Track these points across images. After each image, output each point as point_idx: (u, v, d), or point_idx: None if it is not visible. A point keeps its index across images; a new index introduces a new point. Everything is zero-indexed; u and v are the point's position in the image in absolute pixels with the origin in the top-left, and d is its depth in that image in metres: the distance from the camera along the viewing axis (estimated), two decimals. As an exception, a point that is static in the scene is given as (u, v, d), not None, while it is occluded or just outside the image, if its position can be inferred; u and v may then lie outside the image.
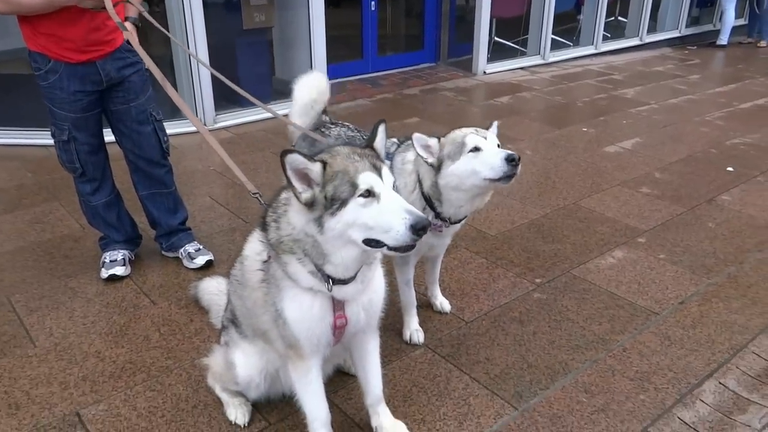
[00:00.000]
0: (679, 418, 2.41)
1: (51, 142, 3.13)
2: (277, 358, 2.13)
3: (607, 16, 9.47)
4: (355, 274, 1.85)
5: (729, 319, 3.02)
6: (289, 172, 1.69)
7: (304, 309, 1.87)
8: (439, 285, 3.08)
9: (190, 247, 3.45)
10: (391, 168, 2.51)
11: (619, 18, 10.33)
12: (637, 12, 10.01)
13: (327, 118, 3.05)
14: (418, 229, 1.64)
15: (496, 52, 8.54)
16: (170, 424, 2.35)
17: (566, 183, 4.67)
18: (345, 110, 6.39)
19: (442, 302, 3.05)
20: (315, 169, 1.69)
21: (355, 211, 1.68)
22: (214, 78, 5.63)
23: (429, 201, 2.47)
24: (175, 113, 5.19)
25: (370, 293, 1.97)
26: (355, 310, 1.94)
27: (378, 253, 1.88)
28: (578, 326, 2.96)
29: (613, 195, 4.47)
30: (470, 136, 2.35)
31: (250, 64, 6.20)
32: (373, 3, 7.64)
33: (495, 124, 2.50)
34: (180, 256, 3.47)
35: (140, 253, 3.55)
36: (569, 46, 9.36)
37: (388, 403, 2.31)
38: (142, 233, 3.55)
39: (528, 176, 4.80)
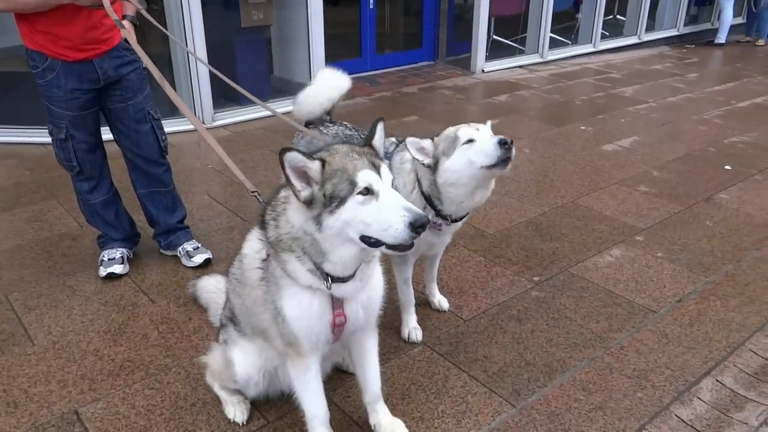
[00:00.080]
0: (676, 415, 2.41)
1: (49, 140, 3.13)
2: (276, 356, 2.14)
3: (606, 14, 9.48)
4: (354, 272, 1.85)
5: (726, 317, 3.03)
6: (288, 171, 1.69)
7: (303, 307, 1.88)
8: (438, 283, 3.09)
9: (189, 246, 3.45)
10: (389, 167, 2.52)
11: (618, 16, 10.35)
12: (636, 10, 10.02)
13: (327, 117, 3.05)
14: (417, 227, 1.65)
15: (495, 51, 8.55)
16: (169, 422, 2.35)
17: (564, 181, 4.68)
18: (343, 108, 6.34)
19: (440, 300, 3.06)
20: (314, 167, 1.70)
21: (353, 208, 1.68)
22: (212, 76, 5.65)
23: (429, 200, 2.47)
24: (174, 111, 5.19)
25: (369, 291, 1.98)
26: (354, 308, 1.95)
27: (377, 252, 1.88)
28: (576, 324, 2.96)
29: (611, 193, 4.48)
30: (462, 129, 2.36)
31: (248, 63, 6.19)
32: (371, 1, 7.63)
33: (488, 123, 2.49)
34: (178, 255, 3.47)
35: (139, 252, 3.55)
36: (568, 44, 9.37)
37: (386, 401, 2.32)
38: (140, 231, 3.55)
39: (526, 175, 4.81)
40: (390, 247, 1.71)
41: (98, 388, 2.53)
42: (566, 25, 9.52)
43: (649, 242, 3.76)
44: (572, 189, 4.54)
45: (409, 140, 2.39)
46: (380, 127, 1.89)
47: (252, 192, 2.14)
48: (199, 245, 3.49)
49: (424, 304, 3.06)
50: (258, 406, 2.41)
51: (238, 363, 2.22)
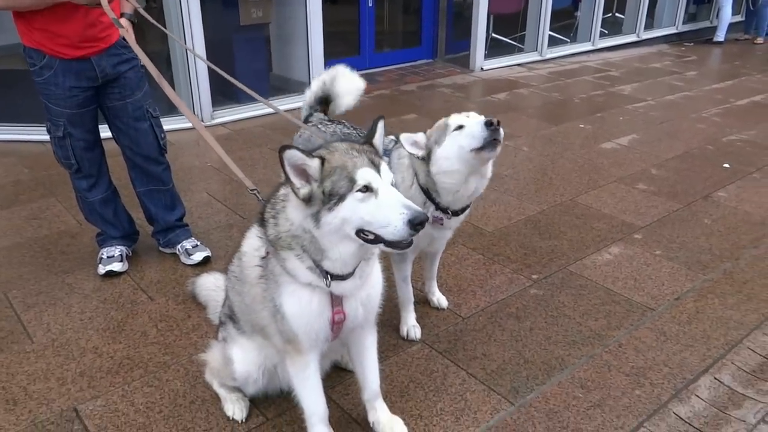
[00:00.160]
0: (674, 413, 2.42)
1: (48, 138, 3.13)
2: (275, 354, 2.14)
3: (605, 12, 9.47)
4: (354, 270, 1.86)
5: (724, 315, 3.04)
6: (288, 168, 1.69)
7: (302, 304, 1.88)
8: (437, 281, 3.09)
9: (188, 244, 3.45)
10: (388, 164, 2.52)
11: (616, 14, 10.33)
12: (634, 8, 10.01)
13: (324, 116, 3.05)
14: (416, 224, 1.65)
15: (494, 49, 8.54)
16: (168, 420, 2.36)
17: (563, 179, 4.68)
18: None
19: (439, 298, 3.06)
20: (313, 164, 1.70)
21: (352, 206, 1.69)
22: (211, 74, 5.65)
23: (427, 193, 2.47)
24: (172, 109, 5.16)
25: (368, 288, 1.98)
26: (354, 306, 1.95)
27: (376, 249, 1.89)
28: (575, 322, 2.97)
29: (610, 191, 4.48)
30: (453, 117, 2.37)
31: (247, 60, 6.18)
32: (370, -1, 7.64)
33: (481, 117, 2.49)
34: (177, 253, 3.47)
35: (137, 249, 3.55)
36: (566, 42, 9.36)
37: (385, 399, 2.32)
38: (139, 229, 3.55)
39: (525, 173, 4.81)
40: (389, 244, 1.71)
41: (97, 386, 2.53)
42: (565, 23, 9.51)
43: (647, 240, 3.77)
44: (571, 187, 4.54)
45: (403, 137, 2.41)
46: (380, 125, 1.90)
47: (251, 190, 2.14)
48: (198, 243, 3.49)
49: (423, 302, 3.07)
50: (257, 403, 2.42)
51: (237, 360, 2.22)
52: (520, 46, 8.93)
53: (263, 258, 1.94)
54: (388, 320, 2.85)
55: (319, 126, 2.91)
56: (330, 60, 6.56)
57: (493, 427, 2.33)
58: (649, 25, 10.37)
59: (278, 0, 6.41)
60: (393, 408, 2.35)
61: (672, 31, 10.79)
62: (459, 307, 3.07)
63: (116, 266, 3.30)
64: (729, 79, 8.17)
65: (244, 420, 2.34)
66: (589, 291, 3.22)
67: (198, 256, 3.40)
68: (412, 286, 2.87)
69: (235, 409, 2.35)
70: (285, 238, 1.83)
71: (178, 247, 3.46)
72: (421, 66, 8.29)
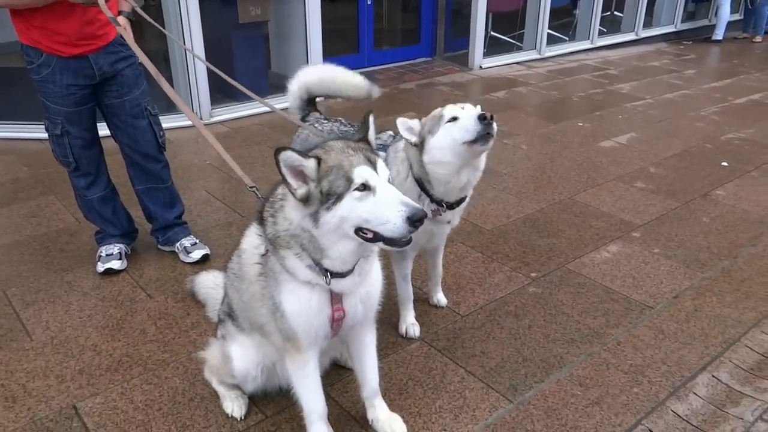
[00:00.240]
0: (672, 410, 2.43)
1: (46, 135, 3.13)
2: (274, 351, 2.14)
3: (603, 10, 9.48)
4: (353, 268, 1.86)
5: (722, 313, 3.05)
6: (284, 170, 1.69)
7: (302, 302, 1.88)
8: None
9: (187, 242, 3.45)
10: (386, 159, 2.53)
11: (615, 13, 10.33)
12: (633, 7, 10.02)
13: (320, 115, 3.05)
14: (415, 221, 1.65)
15: (493, 47, 8.54)
16: (167, 417, 2.36)
17: (561, 178, 4.69)
18: (340, 104, 6.34)
19: (439, 298, 3.06)
20: (309, 165, 1.70)
21: (350, 205, 1.69)
22: (210, 72, 5.63)
23: (421, 185, 2.47)
24: (171, 107, 5.18)
25: (367, 286, 1.98)
26: (353, 303, 1.95)
27: (375, 247, 1.89)
28: (573, 320, 2.97)
29: (608, 190, 4.49)
30: (448, 107, 2.36)
31: (245, 58, 6.18)
32: (369, -3, 7.63)
33: (478, 106, 2.47)
34: (176, 251, 3.47)
35: (136, 247, 3.55)
36: (565, 40, 9.36)
37: (384, 396, 2.32)
38: (138, 227, 3.55)
39: (524, 171, 4.82)
40: (388, 242, 1.72)
41: (96, 383, 2.53)
42: (564, 22, 9.51)
43: (645, 238, 3.78)
44: (569, 185, 4.55)
45: (399, 120, 2.40)
46: (371, 119, 1.90)
47: (250, 187, 2.14)
48: (197, 241, 3.49)
49: (422, 301, 3.07)
50: (256, 401, 2.42)
51: (236, 358, 2.22)
52: (518, 44, 8.94)
53: (262, 256, 1.94)
54: (387, 318, 2.85)
55: (316, 125, 2.91)
56: (328, 58, 6.59)
57: (491, 425, 2.34)
58: (647, 24, 10.37)
59: (277, -2, 6.42)
60: (392, 406, 2.36)
61: (671, 29, 10.79)
62: (458, 305, 3.08)
63: (115, 264, 3.30)
64: (727, 77, 8.18)
65: (243, 417, 2.34)
66: (587, 289, 3.23)
67: (197, 254, 3.40)
68: (412, 285, 2.87)
69: (234, 406, 2.35)
70: (284, 237, 1.83)
71: (177, 245, 3.46)
72: (420, 64, 8.28)
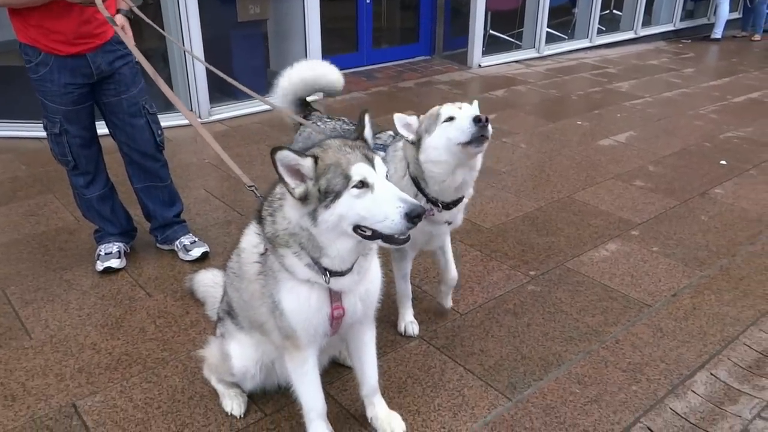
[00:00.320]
0: (670, 408, 2.43)
1: (45, 134, 3.12)
2: (273, 350, 2.14)
3: (602, 9, 9.48)
4: (352, 266, 1.86)
5: (721, 311, 3.05)
6: (281, 169, 1.70)
7: (301, 300, 1.88)
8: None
9: (186, 239, 3.45)
10: (385, 157, 2.53)
11: (614, 11, 10.34)
12: (632, 5, 10.02)
13: (319, 113, 3.05)
14: (413, 217, 1.65)
15: (492, 45, 8.54)
16: (166, 416, 2.36)
17: (560, 176, 4.69)
18: (339, 103, 6.38)
19: (446, 302, 2.98)
20: (306, 164, 1.70)
21: (348, 202, 1.69)
22: (209, 71, 5.63)
23: (417, 184, 2.46)
24: (170, 106, 5.12)
25: (366, 284, 1.99)
26: (352, 301, 1.96)
27: (374, 245, 1.89)
28: (572, 318, 2.98)
29: (607, 188, 4.49)
30: (445, 107, 2.35)
31: (244, 57, 6.18)
32: (368, -5, 7.63)
33: (475, 102, 2.46)
34: (175, 249, 3.47)
35: (135, 246, 3.55)
36: (564, 39, 9.36)
37: (383, 395, 2.33)
38: (137, 226, 3.55)
39: (522, 169, 4.82)
40: (386, 239, 1.72)
41: (96, 382, 2.54)
42: (563, 20, 9.50)
43: (644, 237, 3.78)
44: (568, 184, 4.55)
45: (397, 116, 2.40)
46: (367, 118, 1.90)
47: (249, 186, 2.14)
48: (196, 239, 3.49)
49: (420, 299, 3.08)
50: (255, 399, 2.42)
51: (236, 356, 2.23)
52: (517, 43, 8.94)
53: (262, 255, 1.95)
54: (386, 316, 2.85)
55: (319, 123, 2.91)
56: (327, 56, 6.59)
57: (490, 423, 2.34)
58: (646, 22, 10.38)
59: (276, -4, 6.41)
60: (391, 403, 2.36)
61: (669, 28, 10.80)
62: (457, 303, 3.08)
63: (114, 263, 3.30)
64: (726, 76, 8.18)
65: (242, 415, 2.35)
66: (586, 287, 3.23)
67: (196, 252, 3.40)
68: (411, 284, 2.86)
69: (233, 404, 2.36)
70: (282, 235, 1.83)
71: (176, 243, 3.46)
72: (418, 63, 8.28)
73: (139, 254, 3.50)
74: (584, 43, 9.43)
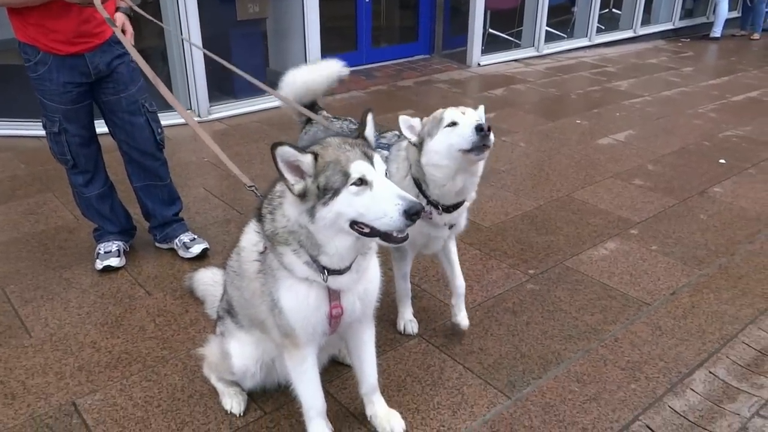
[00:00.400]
0: (669, 406, 2.44)
1: (44, 133, 3.13)
2: (273, 348, 2.15)
3: (601, 8, 9.47)
4: (351, 264, 1.86)
5: (719, 310, 3.06)
6: (281, 165, 1.70)
7: (300, 299, 1.89)
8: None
9: (185, 237, 3.45)
10: (389, 157, 2.53)
11: (613, 10, 10.33)
12: (631, 4, 10.01)
13: (325, 112, 3.05)
14: (412, 214, 1.66)
15: (491, 44, 8.54)
16: (166, 414, 2.37)
17: (560, 175, 4.69)
18: (339, 102, 6.38)
19: (460, 319, 2.79)
20: (306, 160, 1.71)
21: (347, 199, 1.69)
22: (208, 69, 5.64)
23: (418, 185, 2.46)
24: (170, 104, 5.17)
25: (365, 283, 1.99)
26: (351, 300, 1.96)
27: (373, 243, 1.89)
28: (571, 317, 2.98)
29: (606, 187, 4.50)
30: (449, 111, 2.35)
31: (244, 55, 6.17)
32: (367, -6, 7.62)
33: (481, 107, 2.46)
34: (175, 247, 3.47)
35: (135, 245, 3.55)
36: (563, 38, 9.36)
37: (382, 393, 2.33)
38: (136, 224, 3.55)
39: (522, 168, 4.82)
40: (385, 237, 1.72)
41: (95, 380, 2.54)
42: (562, 19, 9.50)
43: (643, 235, 3.79)
44: (567, 182, 4.55)
45: (401, 117, 2.41)
46: (370, 118, 1.90)
47: (249, 186, 2.15)
48: (196, 237, 3.49)
49: (420, 297, 3.08)
50: (255, 397, 2.43)
51: (235, 355, 2.23)
52: (516, 41, 8.93)
53: (261, 253, 1.95)
54: (386, 315, 2.86)
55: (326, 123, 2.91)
56: (326, 55, 6.59)
57: (489, 421, 2.35)
58: (645, 21, 10.38)
59: (275, -5, 6.41)
60: (390, 402, 2.36)
61: (669, 26, 10.80)
62: (456, 301, 3.08)
63: (113, 261, 3.30)
64: (725, 75, 8.19)
65: (242, 414, 2.35)
66: (585, 286, 3.24)
67: (197, 249, 3.40)
68: (411, 282, 2.87)
69: (233, 403, 2.36)
70: (282, 233, 1.83)
71: (176, 241, 3.46)
72: (418, 61, 8.28)
73: (138, 253, 3.51)
74: (583, 42, 9.43)
